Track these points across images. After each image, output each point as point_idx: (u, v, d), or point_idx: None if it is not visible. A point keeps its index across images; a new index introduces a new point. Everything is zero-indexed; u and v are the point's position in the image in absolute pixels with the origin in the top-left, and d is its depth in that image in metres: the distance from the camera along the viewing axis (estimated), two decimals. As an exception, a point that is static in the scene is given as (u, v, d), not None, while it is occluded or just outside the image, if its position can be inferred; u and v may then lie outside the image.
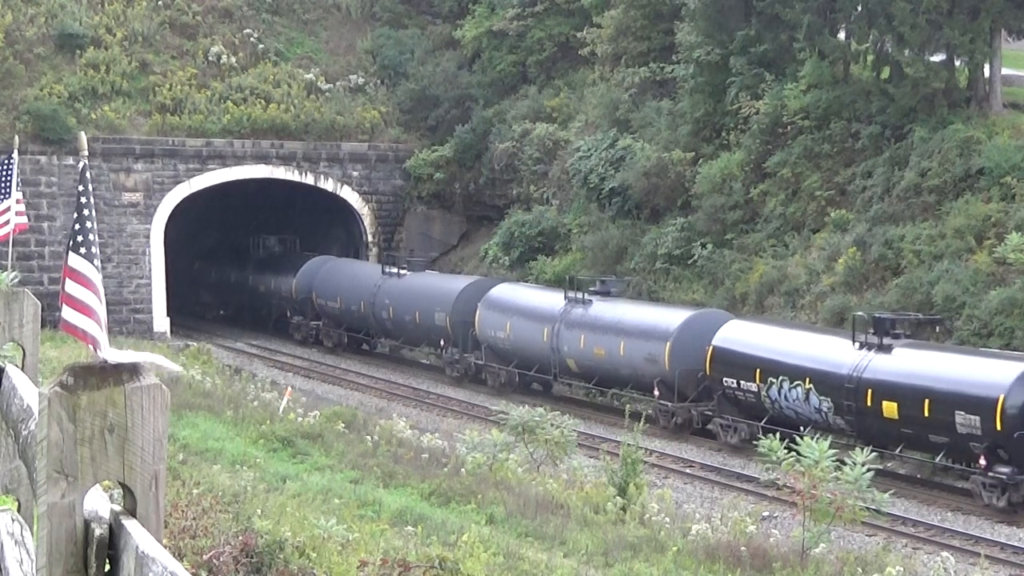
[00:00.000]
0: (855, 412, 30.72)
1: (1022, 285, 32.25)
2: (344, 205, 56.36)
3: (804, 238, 39.88)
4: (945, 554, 23.62)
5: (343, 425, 30.22)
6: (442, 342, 44.99)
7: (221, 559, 11.63)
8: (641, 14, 49.81)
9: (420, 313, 45.71)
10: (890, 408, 29.83)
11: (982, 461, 27.91)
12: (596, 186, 46.74)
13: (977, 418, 27.89)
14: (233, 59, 57.01)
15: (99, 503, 3.49)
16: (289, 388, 35.21)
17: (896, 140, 39.15)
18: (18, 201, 26.40)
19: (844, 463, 22.42)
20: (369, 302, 48.58)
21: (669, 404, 35.86)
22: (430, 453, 27.69)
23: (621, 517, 22.71)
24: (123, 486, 3.38)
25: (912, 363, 30.01)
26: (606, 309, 38.85)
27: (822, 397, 31.52)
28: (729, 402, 34.51)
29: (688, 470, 32.21)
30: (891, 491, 25.42)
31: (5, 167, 26.97)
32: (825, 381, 31.38)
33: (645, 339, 36.58)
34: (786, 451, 22.82)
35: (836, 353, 31.68)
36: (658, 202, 45.18)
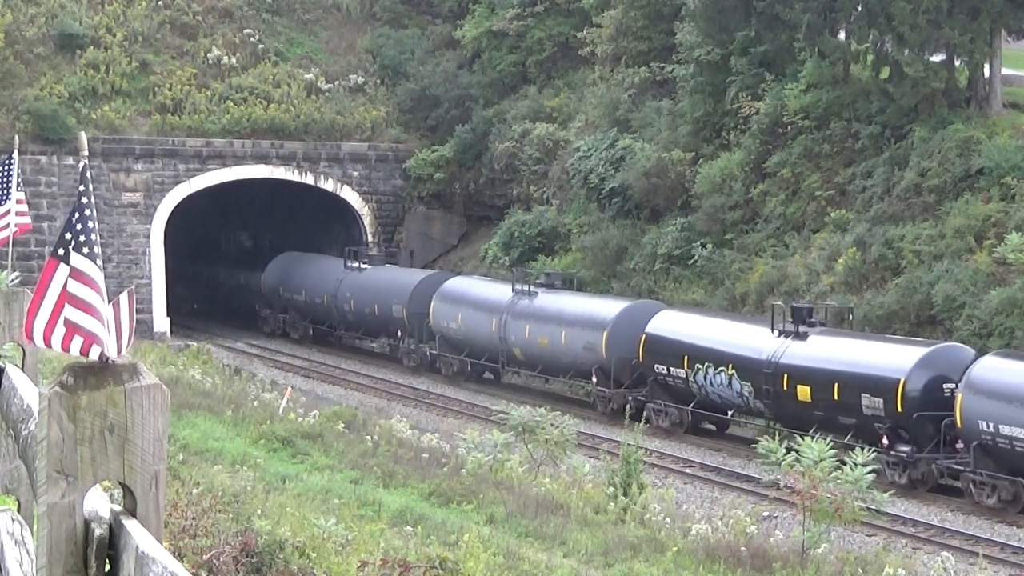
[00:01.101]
0: (773, 396, 32.51)
1: (1022, 285, 32.24)
2: (344, 205, 56.35)
3: (804, 238, 39.88)
4: (945, 554, 23.62)
5: (343, 425, 30.22)
6: (399, 333, 47.06)
7: (221, 559, 11.63)
8: (641, 14, 49.80)
9: (379, 306, 47.88)
10: (804, 392, 31.70)
11: (885, 441, 29.43)
12: (596, 186, 46.73)
13: (881, 400, 29.75)
14: (233, 59, 57.00)
15: (99, 503, 3.48)
16: (289, 388, 35.21)
17: (896, 140, 39.15)
18: (19, 201, 26.33)
19: (844, 463, 22.42)
20: (332, 295, 50.78)
21: (606, 390, 37.67)
22: (430, 453, 27.69)
23: (621, 517, 22.71)
24: (123, 486, 3.38)
25: (824, 349, 31.80)
26: (550, 300, 40.80)
27: (743, 382, 33.36)
28: (661, 388, 36.32)
29: (688, 470, 32.21)
30: (891, 491, 25.46)
31: (5, 167, 26.95)
32: (746, 367, 33.21)
33: (584, 329, 38.53)
34: (786, 452, 22.83)
35: (756, 340, 33.44)
36: (658, 202, 45.17)
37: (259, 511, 15.27)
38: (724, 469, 32.07)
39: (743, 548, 20.62)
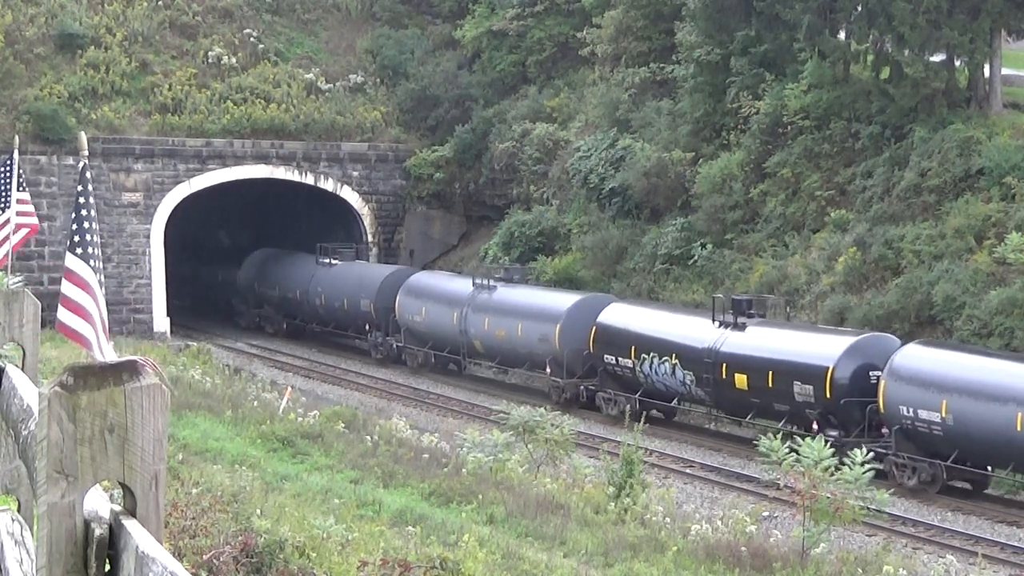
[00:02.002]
0: (713, 384, 34.18)
1: (1022, 285, 32.25)
2: (344, 205, 56.35)
3: (804, 238, 39.89)
4: (949, 557, 23.63)
5: (343, 425, 30.22)
6: (367, 326, 48.78)
7: (221, 559, 11.63)
8: (641, 14, 49.81)
9: (348, 300, 49.67)
10: (741, 380, 33.34)
11: (815, 426, 30.73)
12: (596, 186, 46.74)
13: (811, 387, 31.37)
14: (233, 59, 57.00)
15: (99, 503, 3.48)
16: (289, 388, 35.22)
17: (896, 140, 39.16)
18: (23, 202, 26.17)
19: (843, 464, 22.42)
20: (304, 290, 52.69)
21: (559, 380, 39.17)
22: (430, 453, 27.69)
23: (621, 517, 22.71)
24: (123, 486, 3.38)
25: (760, 339, 33.35)
26: (508, 294, 42.46)
27: (686, 371, 34.98)
28: (610, 377, 37.95)
29: (688, 470, 32.22)
30: (891, 491, 25.46)
31: (6, 168, 26.86)
32: (688, 356, 34.87)
33: (539, 321, 40.17)
34: (787, 451, 22.83)
35: (698, 331, 35.09)
36: (658, 202, 45.18)
37: (259, 511, 15.28)
38: (724, 469, 32.09)
39: (743, 548, 20.62)
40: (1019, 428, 27.05)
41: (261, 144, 54.48)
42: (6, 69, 52.22)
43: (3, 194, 26.52)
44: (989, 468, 29.18)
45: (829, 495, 21.59)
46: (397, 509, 19.96)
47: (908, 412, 29.16)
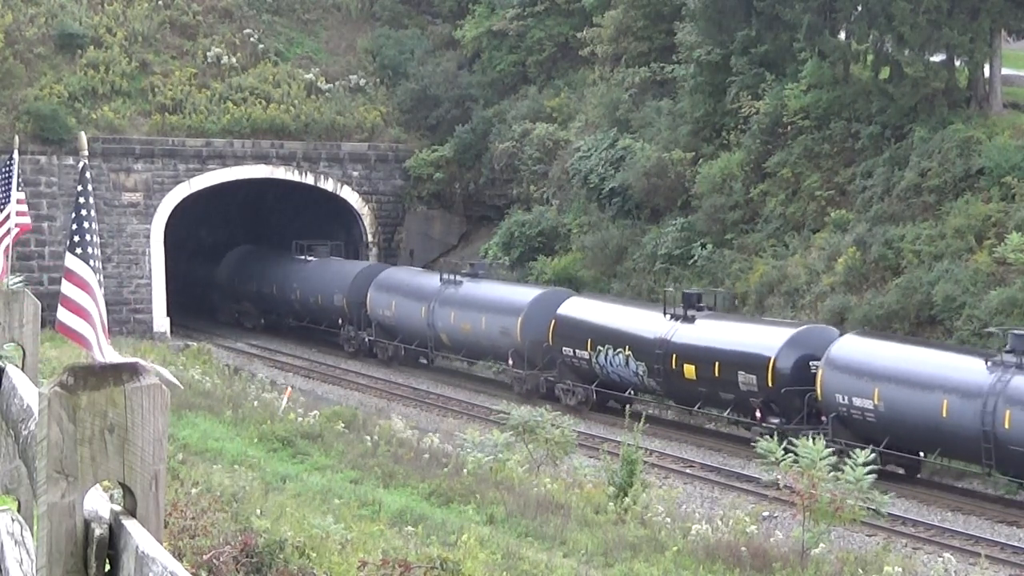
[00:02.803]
0: (663, 374, 35.68)
1: (1022, 285, 32.24)
2: (344, 205, 56.34)
3: (804, 238, 39.88)
4: (947, 555, 23.62)
5: (343, 425, 30.21)
6: (340, 321, 50.47)
7: (221, 559, 11.63)
8: (641, 14, 49.80)
9: (322, 295, 51.49)
10: (690, 370, 34.81)
11: (758, 414, 32.74)
12: (596, 186, 46.73)
13: (754, 377, 32.79)
14: (233, 59, 56.99)
15: (99, 503, 3.48)
16: (289, 388, 35.21)
17: (896, 140, 39.15)
18: (19, 202, 26.25)
19: (844, 463, 22.39)
20: (280, 286, 54.58)
21: (521, 372, 40.70)
22: (430, 453, 27.69)
23: (621, 517, 22.70)
24: (123, 486, 3.38)
25: (708, 331, 34.88)
26: (473, 288, 43.96)
27: (638, 362, 36.44)
28: (568, 368, 39.43)
29: (688, 470, 32.22)
30: (891, 491, 25.47)
31: (7, 167, 26.88)
32: (640, 348, 36.34)
33: (501, 315, 41.67)
34: (784, 453, 22.83)
35: (650, 324, 36.53)
36: (658, 202, 45.17)
37: (259, 511, 15.28)
38: (724, 469, 32.10)
39: (743, 548, 20.61)
40: (944, 415, 28.32)
41: (261, 144, 54.47)
42: (6, 69, 52.21)
43: (4, 194, 26.58)
44: (921, 454, 30.32)
45: (829, 495, 21.59)
46: (397, 509, 19.96)
47: (844, 400, 30.60)
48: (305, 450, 25.45)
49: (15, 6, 54.56)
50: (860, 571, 20.84)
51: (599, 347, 37.71)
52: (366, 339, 48.93)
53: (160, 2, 57.88)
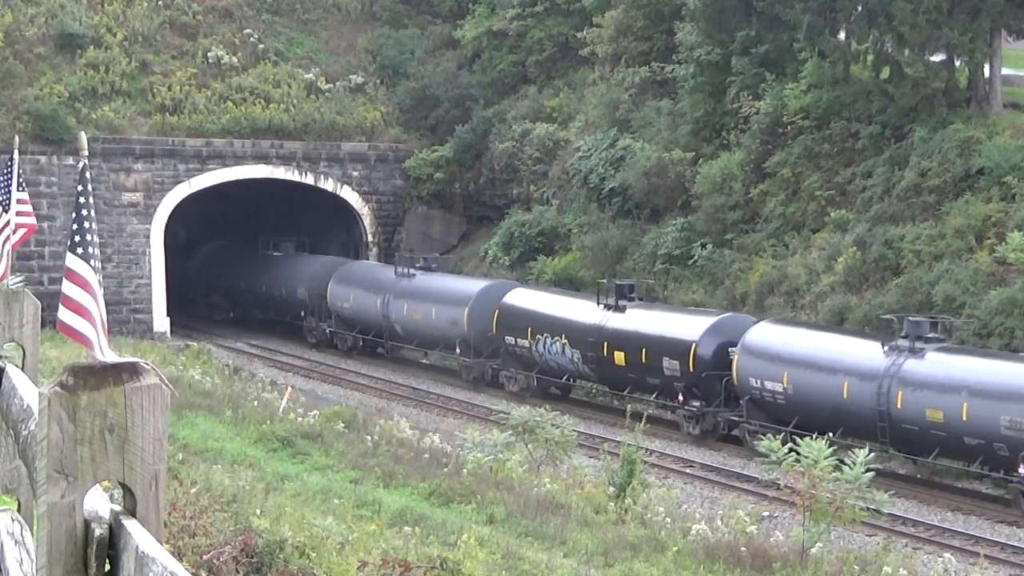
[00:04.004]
0: (596, 361, 37.78)
1: (1022, 285, 32.24)
2: (344, 205, 56.33)
3: (804, 238, 39.87)
4: (947, 555, 23.62)
5: (343, 425, 30.21)
6: (303, 313, 52.72)
7: (221, 559, 11.63)
8: (642, 14, 49.78)
9: (286, 288, 53.81)
10: (620, 357, 36.88)
11: (680, 397, 35.05)
12: (596, 186, 46.72)
13: (677, 362, 34.90)
14: (233, 59, 56.99)
15: (99, 503, 3.48)
16: (289, 388, 35.22)
17: (896, 140, 39.13)
18: (23, 202, 26.20)
19: (843, 463, 22.39)
20: (248, 280, 56.77)
21: (468, 360, 42.94)
22: (430, 453, 27.68)
23: (621, 517, 22.70)
24: (123, 486, 3.38)
25: (637, 320, 36.89)
26: (425, 281, 46.26)
27: (573, 350, 38.55)
28: (511, 356, 41.55)
29: (688, 470, 32.22)
30: (891, 491, 25.47)
31: (7, 168, 26.88)
32: (575, 336, 38.47)
33: (450, 306, 43.79)
34: (787, 449, 22.83)
35: (584, 313, 38.65)
36: (658, 202, 45.16)
37: (259, 511, 15.27)
38: (724, 469, 32.10)
39: (743, 548, 20.61)
40: (845, 396, 30.43)
41: (261, 144, 54.45)
42: (6, 69, 52.19)
43: (5, 194, 26.58)
44: (830, 434, 30.78)
45: (829, 495, 21.59)
46: (397, 509, 19.95)
47: (757, 383, 32.68)
48: (305, 450, 25.44)
49: (15, 6, 54.54)
50: (860, 571, 20.84)
51: (538, 336, 39.72)
52: (327, 330, 51.11)
53: (160, 2, 57.86)
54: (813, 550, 21.32)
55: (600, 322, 37.64)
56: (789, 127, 41.78)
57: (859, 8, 40.10)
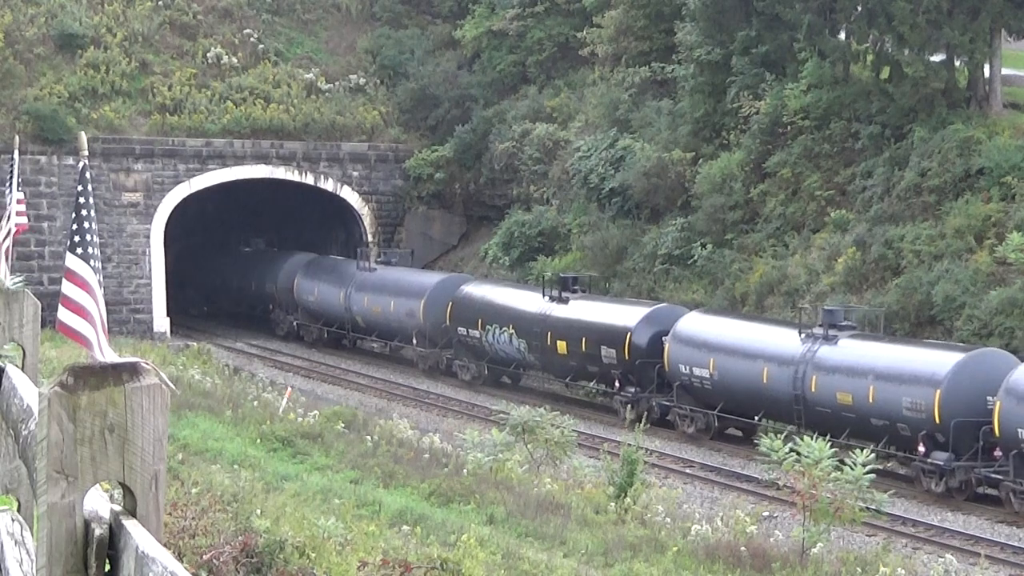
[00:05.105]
0: (541, 350, 39.74)
1: (1022, 285, 32.24)
2: (344, 205, 56.33)
3: (804, 238, 39.86)
4: (947, 555, 23.61)
5: (343, 425, 30.20)
6: (271, 306, 55.12)
7: (221, 559, 11.63)
8: (642, 14, 49.79)
9: (255, 283, 56.33)
10: (562, 346, 38.69)
11: (617, 384, 36.86)
12: (596, 186, 46.71)
13: (614, 350, 36.67)
14: (233, 59, 56.99)
15: (99, 503, 3.48)
16: (289, 388, 35.22)
17: (896, 140, 39.13)
18: (19, 201, 26.29)
19: (843, 463, 22.37)
20: (221, 275, 59.25)
21: (424, 350, 44.96)
22: (430, 453, 27.67)
23: (621, 517, 22.70)
24: (123, 486, 3.37)
25: (578, 310, 38.74)
26: (385, 274, 48.64)
27: (520, 339, 40.50)
28: (464, 347, 43.50)
29: (688, 470, 32.22)
30: (891, 491, 25.47)
31: (9, 168, 26.96)
32: (522, 326, 40.37)
33: (407, 298, 46.05)
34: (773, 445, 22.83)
35: (530, 304, 40.71)
36: (658, 202, 45.16)
37: (259, 511, 15.27)
38: (724, 469, 32.10)
39: (743, 548, 20.62)
40: (765, 381, 32.23)
41: (261, 144, 54.45)
42: (6, 69, 52.20)
43: (8, 193, 26.65)
44: (755, 418, 32.98)
45: (829, 495, 21.59)
46: (397, 509, 19.95)
47: (686, 370, 34.59)
48: (305, 450, 25.44)
49: (15, 6, 54.54)
50: (860, 571, 20.84)
51: (488, 326, 41.63)
52: (294, 323, 53.49)
53: (160, 2, 57.86)
54: (813, 550, 21.33)
55: (544, 313, 39.63)
56: (789, 127, 41.78)
57: (859, 8, 40.11)
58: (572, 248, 46.96)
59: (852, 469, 22.31)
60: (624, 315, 37.09)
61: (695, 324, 35.07)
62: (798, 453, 22.46)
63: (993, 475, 27.97)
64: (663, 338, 35.31)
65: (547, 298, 40.04)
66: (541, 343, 39.43)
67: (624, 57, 50.37)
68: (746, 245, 41.36)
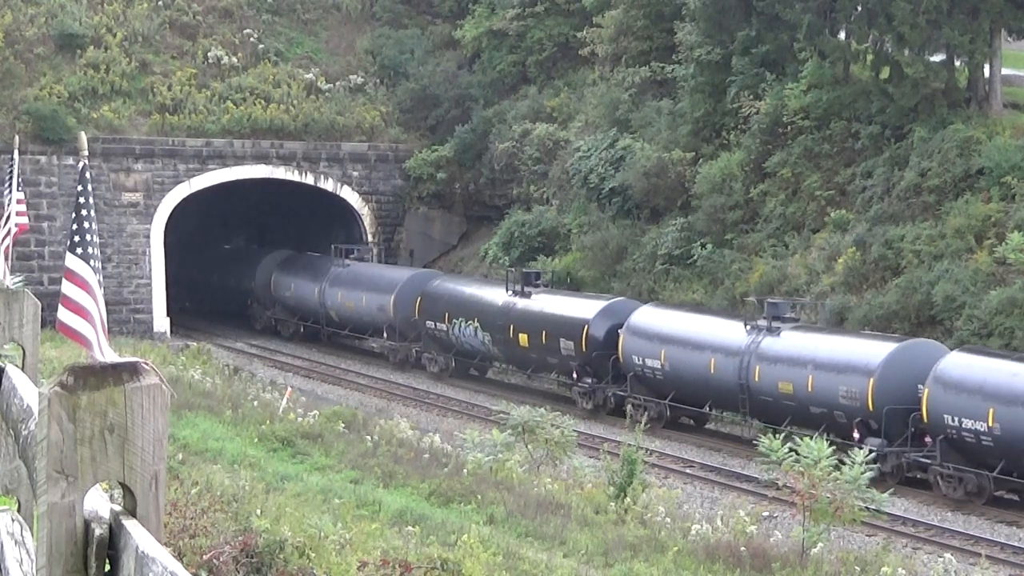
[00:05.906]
0: (504, 343, 41.17)
1: (1022, 285, 32.23)
2: (344, 205, 56.33)
3: (804, 238, 39.86)
4: (947, 555, 23.62)
5: (343, 425, 30.20)
6: (249, 301, 56.74)
7: (221, 559, 11.63)
8: (642, 14, 49.78)
9: (235, 279, 57.95)
10: (523, 339, 40.17)
11: (574, 375, 38.22)
12: (596, 186, 46.70)
13: (572, 343, 38.07)
14: (233, 59, 56.99)
15: (99, 503, 3.48)
16: (289, 388, 35.22)
17: (896, 140, 39.13)
18: (19, 202, 26.29)
19: (843, 463, 22.36)
20: (202, 271, 60.68)
21: (395, 343, 46.53)
22: (430, 453, 27.67)
23: (621, 517, 22.70)
24: (123, 486, 3.37)
25: (540, 304, 40.23)
26: (357, 270, 50.29)
27: (484, 332, 41.93)
28: (432, 340, 44.97)
29: (688, 470, 32.23)
30: (891, 491, 25.47)
31: (9, 168, 26.95)
32: (486, 320, 41.83)
33: (378, 293, 47.43)
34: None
35: (494, 298, 42.11)
36: (658, 202, 45.15)
37: (259, 511, 15.27)
38: (724, 469, 32.11)
39: (743, 548, 20.62)
40: (713, 371, 33.60)
41: (261, 144, 54.45)
42: (6, 69, 52.20)
43: (5, 194, 26.66)
44: (705, 407, 34.77)
45: (828, 495, 21.59)
46: (397, 509, 19.95)
47: (639, 361, 35.90)
48: (305, 450, 25.44)
49: (15, 6, 54.54)
50: (860, 571, 20.84)
51: (455, 319, 43.12)
52: (271, 318, 55.17)
53: (160, 2, 57.86)
54: (813, 550, 21.33)
55: (507, 306, 41.12)
56: (789, 127, 41.78)
57: (859, 8, 40.11)
58: (572, 248, 46.96)
59: (851, 469, 22.31)
60: (582, 308, 38.45)
61: (648, 317, 36.48)
62: (797, 453, 22.46)
63: (922, 459, 29.03)
64: (619, 331, 36.61)
65: (510, 292, 41.43)
66: (504, 336, 40.89)
67: (624, 57, 50.36)
68: (746, 245, 41.35)
